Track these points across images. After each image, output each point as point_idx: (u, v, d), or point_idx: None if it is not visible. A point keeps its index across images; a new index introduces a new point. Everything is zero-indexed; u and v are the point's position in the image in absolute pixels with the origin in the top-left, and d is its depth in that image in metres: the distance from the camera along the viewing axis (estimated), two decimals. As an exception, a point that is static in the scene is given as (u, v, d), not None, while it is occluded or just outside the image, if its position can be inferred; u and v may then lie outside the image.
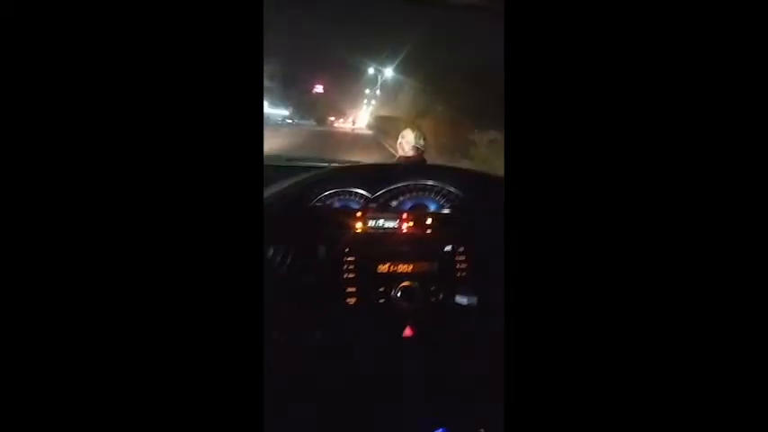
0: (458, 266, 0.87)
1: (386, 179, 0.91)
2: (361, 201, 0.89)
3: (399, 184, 0.91)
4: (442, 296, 0.84)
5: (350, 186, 0.89)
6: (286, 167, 1.03)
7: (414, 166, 0.89)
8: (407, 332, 0.82)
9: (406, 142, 0.87)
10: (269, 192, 0.79)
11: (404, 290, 0.81)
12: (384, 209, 0.90)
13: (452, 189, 0.92)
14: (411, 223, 0.89)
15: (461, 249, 0.87)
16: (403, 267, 0.84)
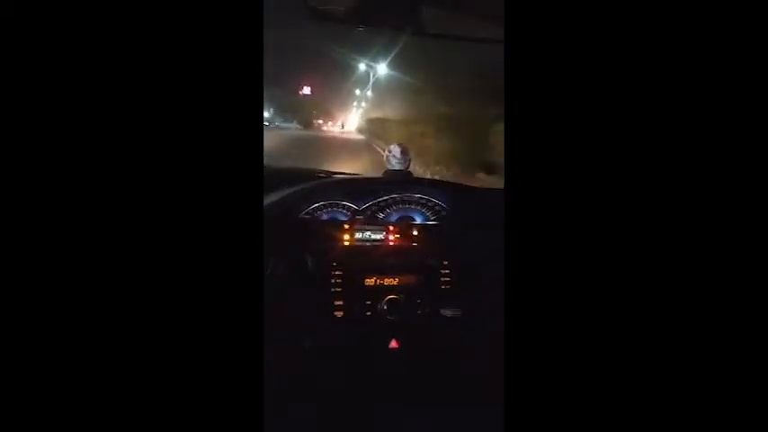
0: (443, 279, 0.88)
1: (373, 192, 0.92)
2: (349, 213, 0.90)
3: (386, 197, 0.92)
4: (427, 308, 0.85)
5: (337, 199, 0.90)
6: (273, 174, 1.03)
7: (400, 180, 0.91)
8: (393, 344, 0.83)
9: (393, 156, 0.89)
10: None
11: (390, 303, 0.82)
12: (371, 221, 0.91)
13: (438, 201, 0.94)
14: (398, 235, 0.90)
15: (446, 262, 0.89)
16: (389, 280, 0.85)
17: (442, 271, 0.88)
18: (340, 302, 0.81)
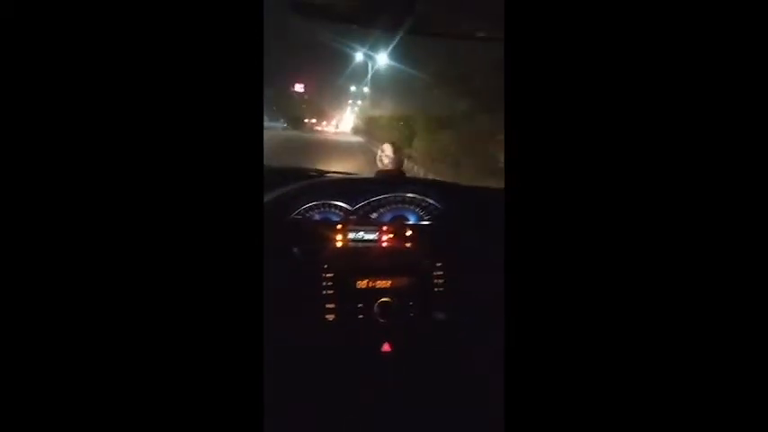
0: (436, 281, 0.87)
1: (366, 192, 0.91)
2: (341, 213, 0.89)
3: (379, 197, 0.91)
4: (420, 311, 0.84)
5: (330, 199, 0.88)
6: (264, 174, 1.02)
7: (393, 179, 0.90)
8: (386, 347, 0.81)
9: (386, 156, 0.88)
10: None
11: (382, 305, 0.81)
12: (364, 221, 0.89)
13: (431, 201, 0.93)
14: (391, 235, 0.89)
15: (439, 264, 0.88)
16: (381, 283, 0.84)
17: (435, 273, 0.87)
18: (332, 305, 0.80)
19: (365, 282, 0.83)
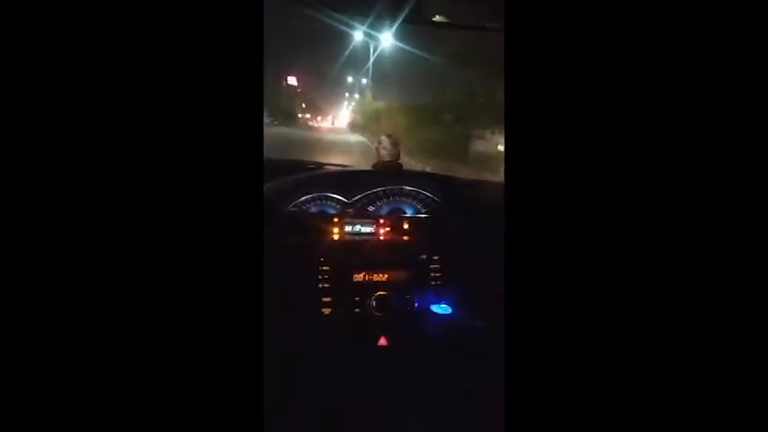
0: (433, 274, 0.86)
1: (363, 184, 0.90)
2: (338, 206, 0.88)
3: (377, 189, 0.90)
4: (417, 305, 0.83)
5: (327, 191, 0.87)
6: None
7: (390, 171, 0.89)
8: (382, 341, 0.81)
9: (383, 148, 0.87)
10: None
11: (379, 299, 0.80)
12: (361, 214, 0.88)
13: (429, 194, 0.92)
14: (388, 228, 0.88)
15: (436, 257, 0.87)
16: (378, 276, 0.83)
17: (432, 266, 0.86)
18: (328, 299, 0.79)
19: (362, 275, 0.82)
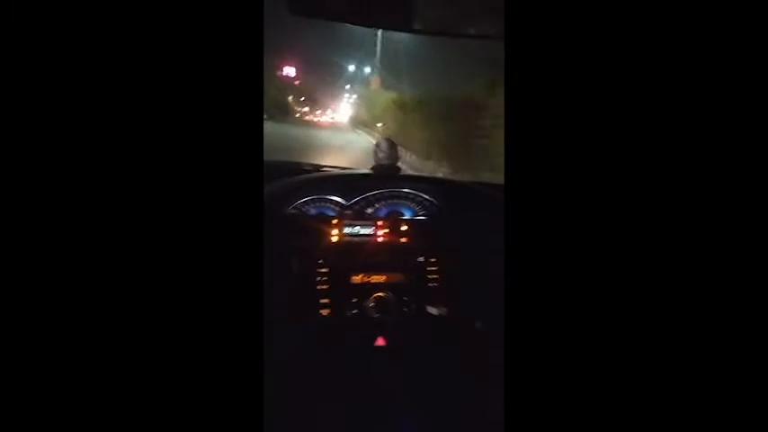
0: (431, 276, 0.87)
1: (361, 186, 0.91)
2: (337, 208, 0.89)
3: (375, 191, 0.91)
4: (415, 306, 0.84)
5: (325, 193, 0.88)
6: None
7: (389, 174, 0.89)
8: (380, 342, 0.82)
9: (381, 151, 0.88)
10: None
11: (377, 301, 0.81)
12: (360, 216, 0.89)
13: (427, 197, 0.93)
14: (386, 230, 0.89)
15: (434, 260, 0.88)
16: (376, 278, 0.84)
17: (430, 268, 0.87)
18: (326, 300, 0.80)
19: (360, 276, 0.83)
